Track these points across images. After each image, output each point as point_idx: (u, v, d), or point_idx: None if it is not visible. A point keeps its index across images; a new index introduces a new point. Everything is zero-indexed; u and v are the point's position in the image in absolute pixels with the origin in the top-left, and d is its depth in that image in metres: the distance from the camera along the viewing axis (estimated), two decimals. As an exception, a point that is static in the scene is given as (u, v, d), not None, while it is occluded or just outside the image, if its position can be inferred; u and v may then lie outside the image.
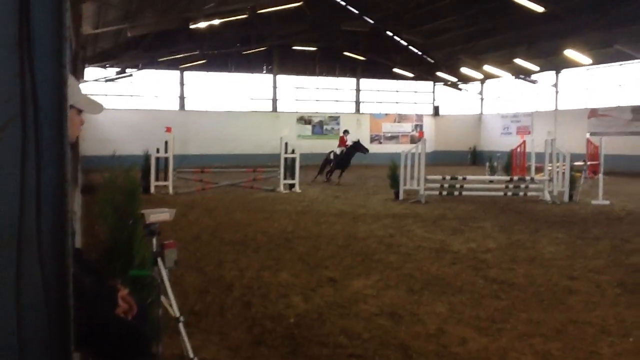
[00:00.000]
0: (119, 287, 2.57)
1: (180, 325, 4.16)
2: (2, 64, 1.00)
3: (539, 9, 22.39)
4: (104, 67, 27.86)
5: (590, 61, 27.25)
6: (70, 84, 2.41)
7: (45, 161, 1.05)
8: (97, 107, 2.60)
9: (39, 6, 1.02)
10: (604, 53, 26.92)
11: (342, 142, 22.19)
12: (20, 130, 1.01)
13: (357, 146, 21.50)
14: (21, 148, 1.02)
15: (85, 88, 28.18)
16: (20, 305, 1.04)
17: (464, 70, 33.47)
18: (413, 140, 33.87)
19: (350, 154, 21.41)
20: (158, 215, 4.04)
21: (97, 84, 29.19)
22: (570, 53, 26.45)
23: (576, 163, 18.14)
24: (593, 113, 28.97)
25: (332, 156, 21.68)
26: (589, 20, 23.57)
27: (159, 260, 4.00)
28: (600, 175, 16.26)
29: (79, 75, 19.62)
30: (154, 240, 4.09)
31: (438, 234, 10.32)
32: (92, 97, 2.74)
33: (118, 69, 28.69)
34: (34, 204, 1.05)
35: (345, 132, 23.25)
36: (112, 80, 29.18)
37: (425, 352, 4.66)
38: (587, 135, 26.77)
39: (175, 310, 4.14)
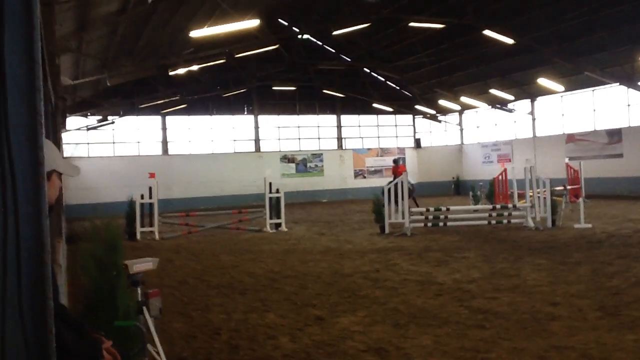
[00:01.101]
0: (102, 339, 2.64)
1: (168, 373, 4.20)
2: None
3: (509, 41, 23.04)
4: (86, 115, 27.99)
5: (563, 88, 27.93)
6: (51, 149, 2.54)
7: (25, 233, 1.16)
8: (75, 170, 2.74)
9: (16, 101, 1.15)
10: (575, 80, 27.63)
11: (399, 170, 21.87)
12: (1, 208, 1.12)
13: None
14: (2, 223, 1.13)
15: (67, 137, 28.25)
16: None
17: (442, 102, 34.09)
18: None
19: None
20: (142, 265, 4.12)
21: (79, 133, 29.26)
22: (543, 81, 27.10)
23: (557, 188, 18.45)
24: (570, 138, 29.54)
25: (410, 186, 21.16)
26: (558, 50, 24.27)
27: (144, 309, 4.06)
28: (582, 199, 16.55)
29: (60, 126, 19.71)
30: (139, 290, 4.16)
31: (423, 266, 10.42)
32: (70, 161, 2.85)
33: (99, 117, 28.84)
34: (15, 274, 1.16)
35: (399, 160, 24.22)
36: (94, 128, 29.29)
37: (412, 386, 4.71)
38: (566, 159, 27.26)
39: (162, 358, 4.18)
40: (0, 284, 1.10)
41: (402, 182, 15.85)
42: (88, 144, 30.23)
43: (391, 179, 21.14)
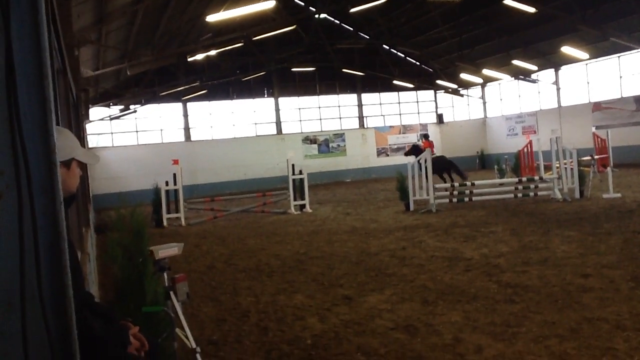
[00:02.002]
0: (130, 325, 2.66)
1: (198, 356, 4.24)
2: (-4, 140, 1.10)
3: (530, 9, 22.49)
4: (108, 105, 28.22)
5: (588, 56, 27.27)
6: (69, 138, 2.54)
7: (41, 224, 1.15)
8: (95, 158, 2.75)
9: (24, 83, 1.13)
10: (600, 47, 26.96)
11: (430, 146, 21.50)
12: (16, 198, 1.11)
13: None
14: (18, 214, 1.12)
15: (91, 128, 28.58)
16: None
17: (464, 76, 33.57)
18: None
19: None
20: (167, 251, 4.14)
21: (103, 123, 29.57)
22: (567, 50, 26.49)
23: (584, 158, 18.13)
24: (597, 107, 28.92)
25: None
26: (582, 17, 23.65)
27: (172, 294, 4.09)
28: (610, 168, 16.24)
29: (83, 117, 19.94)
30: (165, 275, 4.19)
31: (450, 243, 10.35)
32: (92, 150, 2.86)
33: (122, 107, 29.05)
34: (34, 265, 1.15)
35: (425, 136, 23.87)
36: (117, 118, 29.53)
37: (442, 362, 4.69)
38: (593, 129, 26.74)
39: (191, 342, 4.22)
40: (19, 275, 1.10)
41: (425, 159, 15.73)
42: (112, 133, 30.54)
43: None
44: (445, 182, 20.19)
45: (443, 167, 20.62)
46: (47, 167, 1.16)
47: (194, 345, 4.10)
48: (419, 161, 16.25)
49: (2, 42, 1.16)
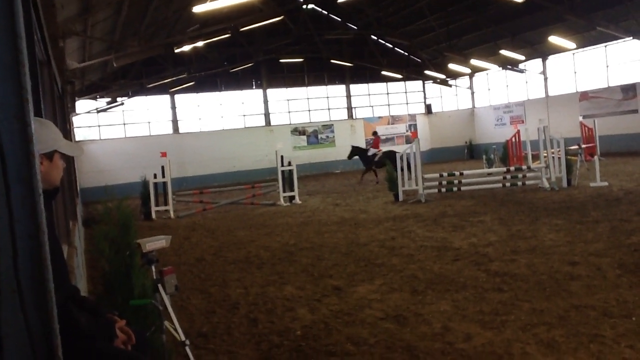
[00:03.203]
0: (116, 319, 2.64)
1: (187, 349, 4.22)
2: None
3: (519, -1, 22.51)
4: (95, 98, 27.95)
5: (575, 45, 27.37)
6: (52, 130, 2.50)
7: (18, 216, 1.12)
8: (78, 150, 2.71)
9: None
10: (587, 36, 27.08)
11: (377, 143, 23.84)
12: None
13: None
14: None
15: (77, 121, 28.33)
16: (5, 355, 1.10)
17: (452, 66, 33.61)
18: (408, 141, 34.05)
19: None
20: (154, 244, 4.11)
21: (90, 116, 29.33)
22: (554, 39, 26.56)
23: (571, 147, 18.23)
24: (584, 96, 29.08)
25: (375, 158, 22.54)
26: (569, 6, 23.71)
27: (160, 287, 4.07)
28: (597, 157, 16.35)
29: (70, 110, 19.76)
30: (153, 268, 4.16)
31: (439, 232, 10.38)
32: (78, 143, 2.82)
33: (109, 99, 28.80)
34: (11, 258, 1.12)
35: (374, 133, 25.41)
36: (104, 110, 29.29)
37: (431, 351, 4.71)
38: (580, 118, 26.89)
39: (180, 335, 4.20)
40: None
41: (415, 149, 15.75)
42: (99, 126, 30.30)
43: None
44: (376, 176, 21.66)
45: (384, 162, 21.62)
46: (24, 157, 1.13)
47: (183, 338, 4.09)
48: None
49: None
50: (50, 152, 2.39)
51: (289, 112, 35.22)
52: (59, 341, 1.15)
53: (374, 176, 23.20)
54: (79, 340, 2.19)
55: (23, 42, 1.18)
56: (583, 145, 19.78)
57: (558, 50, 28.95)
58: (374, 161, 22.72)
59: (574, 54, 29.31)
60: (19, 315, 1.10)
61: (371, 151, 23.29)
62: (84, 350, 2.23)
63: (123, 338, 2.55)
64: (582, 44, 27.73)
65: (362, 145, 29.96)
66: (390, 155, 21.85)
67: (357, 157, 23.95)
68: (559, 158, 15.87)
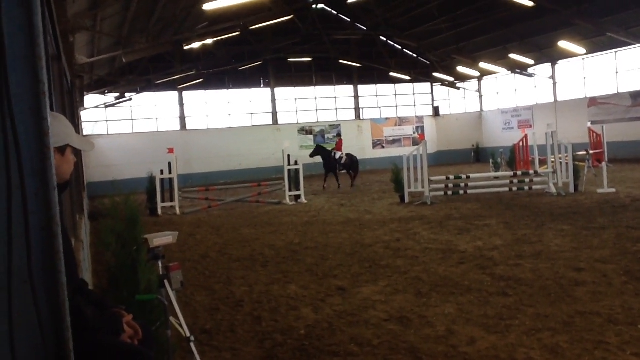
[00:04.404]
0: (123, 313, 2.64)
1: (192, 345, 4.23)
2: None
3: (528, 3, 22.43)
4: (103, 93, 28.07)
5: (585, 51, 27.28)
6: (64, 124, 2.51)
7: (32, 209, 1.13)
8: (90, 145, 2.72)
9: (16, 69, 1.10)
10: (597, 42, 26.97)
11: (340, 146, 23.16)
12: (5, 180, 1.08)
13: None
14: (7, 197, 1.09)
15: (85, 115, 28.42)
16: (16, 345, 1.10)
17: (460, 69, 33.55)
18: (415, 143, 34.00)
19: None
20: (161, 239, 4.12)
21: (98, 111, 29.42)
22: (564, 44, 26.48)
23: (579, 153, 18.16)
24: (592, 102, 28.96)
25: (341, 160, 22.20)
26: (578, 11, 23.62)
27: (166, 282, 4.07)
28: (604, 164, 16.28)
29: (78, 104, 19.82)
30: (160, 264, 4.17)
31: (444, 235, 10.36)
32: (85, 136, 2.83)
33: (117, 94, 28.90)
34: (24, 247, 1.13)
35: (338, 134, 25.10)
36: (112, 105, 29.39)
37: (435, 353, 4.70)
38: (588, 124, 26.79)
39: (185, 331, 4.21)
40: (6, 260, 1.07)
41: (422, 152, 15.73)
42: (107, 121, 30.40)
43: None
44: (338, 181, 21.20)
45: (345, 165, 21.74)
46: (39, 150, 1.13)
47: (188, 334, 4.09)
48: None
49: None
50: (62, 146, 2.39)
51: (297, 111, 35.23)
52: (70, 334, 1.15)
53: (335, 181, 22.19)
54: (86, 333, 2.20)
55: (40, 36, 1.19)
56: (591, 151, 19.70)
57: (568, 55, 28.85)
58: (341, 164, 22.02)
59: (583, 59, 29.20)
60: (31, 307, 1.10)
61: (337, 154, 22.22)
62: (90, 344, 2.24)
63: (130, 332, 2.56)
64: (592, 49, 27.62)
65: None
66: (354, 159, 22.14)
67: (318, 157, 22.59)
68: (567, 163, 15.80)
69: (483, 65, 31.19)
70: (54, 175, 1.16)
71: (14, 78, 1.10)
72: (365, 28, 32.98)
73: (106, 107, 29.32)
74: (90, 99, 27.87)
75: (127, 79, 27.80)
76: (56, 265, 1.14)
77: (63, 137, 2.39)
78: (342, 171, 22.26)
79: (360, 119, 36.61)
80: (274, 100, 34.59)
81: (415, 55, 36.67)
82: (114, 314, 2.58)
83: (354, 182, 22.36)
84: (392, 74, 35.56)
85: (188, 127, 32.45)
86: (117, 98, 28.89)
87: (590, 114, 28.75)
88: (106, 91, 27.93)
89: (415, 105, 38.23)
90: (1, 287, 1.08)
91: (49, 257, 1.13)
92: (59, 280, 1.15)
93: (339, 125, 35.64)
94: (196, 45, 23.26)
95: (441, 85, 37.87)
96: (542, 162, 18.74)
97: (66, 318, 1.15)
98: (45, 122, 1.13)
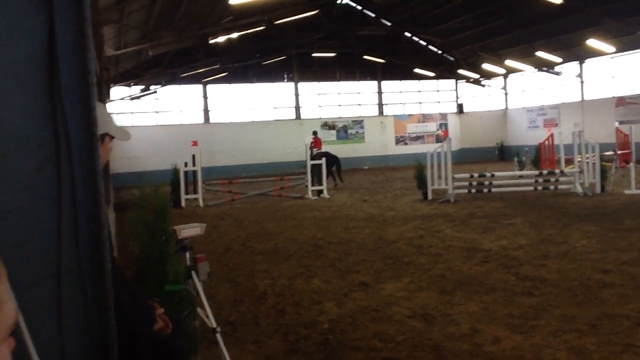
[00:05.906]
0: (156, 305, 2.67)
1: (218, 336, 4.26)
2: (35, 112, 1.09)
3: (556, 1, 22.08)
4: (129, 85, 28.36)
5: (614, 49, 26.78)
6: (104, 113, 2.54)
7: (80, 198, 1.14)
8: (127, 135, 2.75)
9: (67, 60, 1.11)
10: (627, 40, 26.46)
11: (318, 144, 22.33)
12: (55, 171, 1.10)
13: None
14: (57, 187, 1.11)
15: (111, 107, 28.73)
16: (64, 331, 1.12)
17: (486, 66, 33.19)
18: (438, 140, 33.76)
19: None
20: (189, 231, 4.15)
21: (123, 103, 29.74)
22: (592, 43, 26.04)
23: (606, 153, 17.87)
24: (620, 101, 28.46)
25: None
26: (608, 9, 23.20)
27: (193, 273, 4.11)
28: (632, 164, 16.01)
29: (105, 96, 20.04)
30: (187, 255, 4.20)
31: (468, 233, 10.28)
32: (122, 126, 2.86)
33: (142, 87, 29.17)
34: (73, 237, 1.14)
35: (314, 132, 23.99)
36: (137, 98, 29.68)
37: (459, 352, 4.68)
38: (616, 124, 26.32)
39: (212, 321, 4.24)
40: (57, 247, 1.09)
41: (446, 149, 15.62)
42: (132, 113, 30.72)
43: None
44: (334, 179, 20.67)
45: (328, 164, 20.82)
46: (87, 139, 1.15)
47: (214, 325, 4.12)
48: None
49: (44, 15, 1.14)
50: (101, 135, 2.42)
51: (320, 106, 35.22)
52: (114, 322, 1.17)
53: (338, 180, 21.45)
54: (124, 322, 2.23)
55: (90, 27, 1.20)
56: (618, 152, 19.37)
57: (596, 53, 28.37)
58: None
59: (612, 57, 28.69)
60: (78, 294, 1.12)
61: (314, 151, 21.03)
62: (127, 333, 2.26)
63: (161, 325, 2.59)
64: (621, 48, 27.11)
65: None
66: (328, 156, 21.14)
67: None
68: (594, 163, 15.56)
69: (509, 62, 30.81)
70: (100, 165, 1.18)
71: (64, 69, 1.12)
72: (389, 24, 32.81)
73: (131, 99, 29.61)
74: (116, 91, 28.18)
75: (152, 71, 28.03)
76: (103, 253, 1.16)
77: (102, 125, 2.42)
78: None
79: (383, 115, 36.47)
80: (297, 95, 34.63)
81: (439, 52, 36.39)
82: (148, 305, 2.61)
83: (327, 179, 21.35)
84: (416, 70, 35.33)
85: (212, 121, 32.64)
86: (142, 90, 29.16)
87: (618, 113, 28.25)
88: (132, 83, 28.21)
89: (439, 102, 37.97)
90: (51, 275, 1.10)
91: (96, 245, 1.15)
92: (105, 268, 1.16)
93: (362, 120, 35.55)
94: (221, 39, 23.35)
95: (466, 82, 37.53)
96: (568, 162, 18.48)
97: (110, 306, 1.17)
98: (93, 112, 1.15)
